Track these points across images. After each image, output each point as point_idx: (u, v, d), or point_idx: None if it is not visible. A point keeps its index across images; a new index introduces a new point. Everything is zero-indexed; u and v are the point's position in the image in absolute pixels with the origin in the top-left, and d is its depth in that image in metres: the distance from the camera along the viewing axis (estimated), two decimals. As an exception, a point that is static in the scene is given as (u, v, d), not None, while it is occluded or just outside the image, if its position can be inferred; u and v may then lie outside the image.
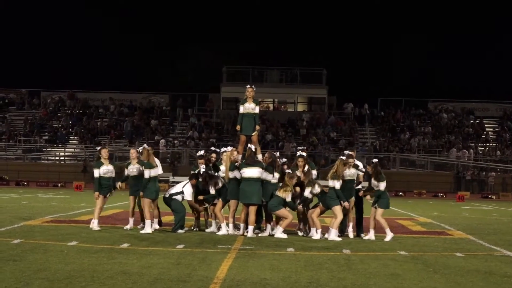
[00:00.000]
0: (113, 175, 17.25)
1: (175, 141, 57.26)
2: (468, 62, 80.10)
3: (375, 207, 16.41)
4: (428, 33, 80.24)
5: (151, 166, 16.93)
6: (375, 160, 17.00)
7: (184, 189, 17.18)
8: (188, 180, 17.45)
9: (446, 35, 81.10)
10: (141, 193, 16.91)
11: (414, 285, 10.26)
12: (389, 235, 16.30)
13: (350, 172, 16.73)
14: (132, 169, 17.33)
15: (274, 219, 17.11)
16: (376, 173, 16.43)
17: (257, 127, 17.54)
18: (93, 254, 12.55)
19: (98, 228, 16.89)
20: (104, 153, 17.20)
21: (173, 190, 17.38)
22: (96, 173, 17.02)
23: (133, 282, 9.86)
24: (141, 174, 17.11)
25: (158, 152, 55.53)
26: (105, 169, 17.06)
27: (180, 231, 16.81)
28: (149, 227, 16.66)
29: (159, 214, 17.66)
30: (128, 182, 17.82)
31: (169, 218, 19.31)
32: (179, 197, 17.09)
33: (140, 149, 17.22)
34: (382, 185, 16.39)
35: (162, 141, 56.73)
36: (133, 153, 17.38)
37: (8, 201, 28.08)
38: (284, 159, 17.74)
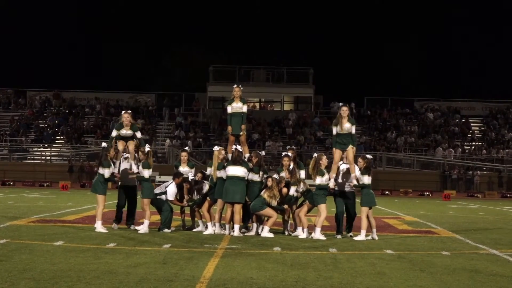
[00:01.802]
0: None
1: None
2: (453, 61, 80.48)
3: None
4: (415, 32, 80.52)
5: (149, 166, 17.01)
6: (370, 156, 16.84)
7: (167, 189, 17.17)
8: (172, 180, 17.43)
9: (432, 35, 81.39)
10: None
11: (400, 284, 10.28)
12: (361, 236, 16.10)
13: (346, 127, 16.64)
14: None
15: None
16: (365, 168, 16.30)
17: (243, 126, 17.51)
18: (80, 253, 12.51)
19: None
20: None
21: (158, 190, 17.38)
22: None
23: (119, 281, 9.83)
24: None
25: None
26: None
27: (166, 230, 16.81)
28: (146, 227, 16.69)
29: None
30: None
31: (155, 218, 19.28)
32: (163, 197, 17.09)
33: (147, 150, 17.25)
34: (366, 179, 16.30)
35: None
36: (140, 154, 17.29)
37: (-6, 201, 27.96)
38: (266, 175, 17.45)
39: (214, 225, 16.94)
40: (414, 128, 60.98)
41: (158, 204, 17.13)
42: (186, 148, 18.56)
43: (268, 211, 16.46)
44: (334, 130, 16.76)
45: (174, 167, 18.32)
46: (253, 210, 16.66)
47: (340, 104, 17.13)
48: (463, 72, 79.22)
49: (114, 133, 17.70)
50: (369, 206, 16.34)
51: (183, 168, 17.65)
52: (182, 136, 57.95)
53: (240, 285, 9.83)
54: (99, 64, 78.30)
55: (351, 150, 16.51)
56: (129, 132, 17.52)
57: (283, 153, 17.61)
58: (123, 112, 17.90)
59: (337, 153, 16.62)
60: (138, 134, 17.65)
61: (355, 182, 16.45)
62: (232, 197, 16.43)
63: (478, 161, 55.83)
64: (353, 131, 16.65)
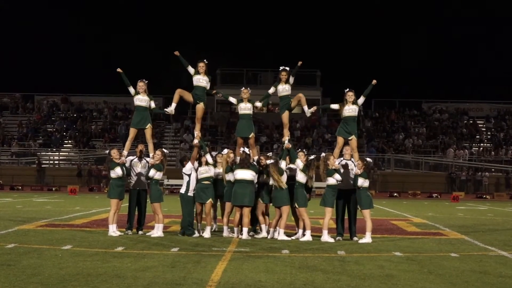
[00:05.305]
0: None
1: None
2: (461, 63, 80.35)
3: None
4: (422, 34, 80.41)
5: (161, 169, 17.06)
6: (370, 159, 16.79)
7: (189, 177, 16.96)
8: (185, 175, 17.15)
9: (440, 35, 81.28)
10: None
11: (409, 286, 10.25)
12: (366, 239, 16.02)
13: (350, 108, 16.76)
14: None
15: (270, 221, 17.12)
16: (364, 170, 16.19)
17: (257, 104, 17.95)
18: (88, 257, 12.52)
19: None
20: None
21: (183, 190, 17.13)
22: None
23: (127, 285, 9.83)
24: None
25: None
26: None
27: (195, 234, 16.68)
28: (160, 231, 16.64)
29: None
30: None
31: (166, 221, 19.26)
32: (190, 193, 16.88)
33: (164, 151, 17.34)
34: (366, 182, 16.22)
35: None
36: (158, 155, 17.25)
37: (2, 206, 28.02)
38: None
39: (223, 228, 16.96)
40: (422, 130, 60.87)
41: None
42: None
43: (286, 208, 16.41)
44: (336, 106, 17.91)
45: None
46: (277, 204, 16.51)
47: (346, 90, 17.44)
48: (471, 74, 79.02)
49: (131, 90, 18.02)
50: (370, 208, 16.23)
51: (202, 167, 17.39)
52: (190, 140, 57.95)
53: (248, 288, 9.83)
54: (106, 68, 78.28)
55: (354, 140, 17.00)
56: (145, 98, 17.57)
57: (281, 67, 18.16)
58: (139, 81, 18.01)
59: (339, 140, 17.15)
60: (153, 104, 17.67)
61: (357, 171, 16.31)
62: (240, 201, 16.40)
63: (487, 162, 55.70)
64: (360, 101, 17.61)
